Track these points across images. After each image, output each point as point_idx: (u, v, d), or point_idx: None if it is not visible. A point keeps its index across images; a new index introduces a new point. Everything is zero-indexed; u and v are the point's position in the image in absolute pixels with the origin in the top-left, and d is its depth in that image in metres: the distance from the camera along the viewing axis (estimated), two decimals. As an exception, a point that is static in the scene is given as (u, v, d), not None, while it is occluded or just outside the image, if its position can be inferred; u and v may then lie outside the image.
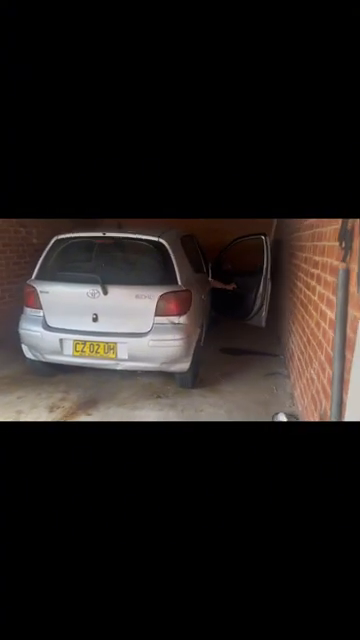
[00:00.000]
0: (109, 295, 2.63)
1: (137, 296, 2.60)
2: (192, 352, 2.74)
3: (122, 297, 2.63)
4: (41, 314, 2.80)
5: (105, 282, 2.63)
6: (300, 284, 2.78)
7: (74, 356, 2.72)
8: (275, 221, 5.11)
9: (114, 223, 2.96)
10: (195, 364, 2.92)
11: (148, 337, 2.59)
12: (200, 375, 3.25)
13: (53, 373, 3.16)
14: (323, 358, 1.82)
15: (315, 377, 2.05)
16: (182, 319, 2.65)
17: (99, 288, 2.60)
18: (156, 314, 2.60)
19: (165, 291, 2.60)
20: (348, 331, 1.38)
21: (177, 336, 2.61)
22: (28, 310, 2.86)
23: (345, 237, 1.44)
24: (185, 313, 2.66)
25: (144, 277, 2.69)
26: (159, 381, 3.12)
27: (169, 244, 2.72)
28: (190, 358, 2.73)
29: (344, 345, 1.40)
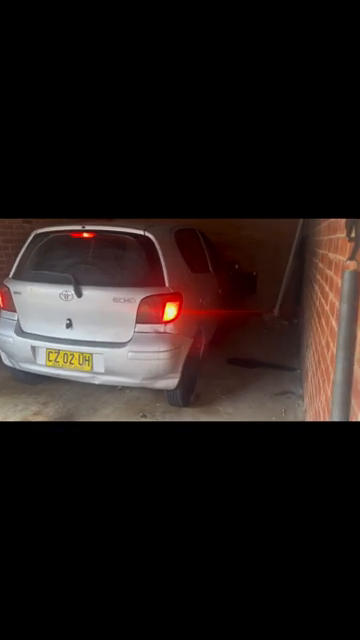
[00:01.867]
0: (84, 298, 2.26)
1: (115, 299, 2.21)
2: (181, 367, 2.31)
3: (98, 300, 2.25)
4: (15, 318, 2.50)
5: (79, 283, 2.26)
6: (317, 288, 2.26)
7: (47, 366, 2.39)
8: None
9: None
10: (187, 380, 2.49)
11: (127, 348, 2.20)
12: (198, 390, 2.82)
13: (36, 381, 2.86)
14: (330, 392, 1.34)
15: (321, 412, 1.55)
16: (169, 327, 2.22)
17: (72, 289, 2.24)
18: (137, 321, 2.19)
19: (148, 294, 2.19)
20: (356, 367, 0.90)
21: (162, 347, 2.20)
22: (3, 313, 2.57)
23: (356, 224, 0.96)
24: (173, 321, 2.24)
25: (124, 277, 2.29)
26: (148, 396, 2.72)
27: (157, 239, 2.31)
28: (178, 374, 2.31)
29: (349, 389, 0.92)
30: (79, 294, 2.24)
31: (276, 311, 4.72)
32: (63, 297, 2.27)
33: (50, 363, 2.38)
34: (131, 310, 2.18)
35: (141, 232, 2.31)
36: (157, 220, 3.01)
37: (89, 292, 2.25)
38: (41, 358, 2.40)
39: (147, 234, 2.30)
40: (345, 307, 0.91)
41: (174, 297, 2.24)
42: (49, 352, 2.37)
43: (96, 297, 2.25)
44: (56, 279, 2.32)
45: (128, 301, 2.19)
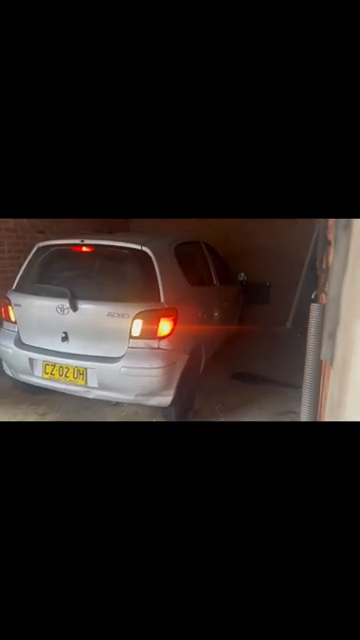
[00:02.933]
0: (79, 312, 2.26)
1: (109, 314, 2.19)
2: (175, 384, 2.26)
3: (93, 315, 2.25)
4: (16, 329, 2.53)
5: (76, 296, 2.27)
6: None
7: (44, 378, 2.41)
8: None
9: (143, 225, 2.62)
10: (184, 397, 2.43)
11: (120, 363, 2.17)
12: (197, 405, 2.75)
13: (37, 391, 2.88)
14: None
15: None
16: (163, 343, 2.18)
17: (68, 303, 2.25)
18: (131, 336, 2.17)
19: (142, 309, 2.16)
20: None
21: (155, 364, 2.15)
22: (5, 324, 2.62)
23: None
24: (167, 336, 2.19)
25: (119, 292, 2.27)
26: (146, 411, 2.68)
27: (155, 254, 2.28)
28: (172, 391, 2.25)
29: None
30: (74, 308, 2.25)
31: (289, 323, 4.56)
32: (59, 310, 2.28)
33: (47, 376, 2.39)
34: (125, 325, 2.16)
35: (138, 247, 2.29)
36: (162, 231, 3.02)
37: (85, 306, 2.25)
38: (38, 370, 2.42)
39: (144, 249, 2.28)
40: (312, 339, 0.84)
41: (169, 312, 2.20)
42: (46, 364, 2.38)
43: (91, 311, 2.25)
44: (54, 292, 2.34)
45: (122, 316, 2.17)
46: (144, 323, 2.15)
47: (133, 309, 2.16)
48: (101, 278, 2.36)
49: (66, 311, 2.27)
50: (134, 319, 2.14)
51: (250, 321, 4.55)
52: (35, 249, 2.63)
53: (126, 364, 2.16)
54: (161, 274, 2.26)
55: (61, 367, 2.33)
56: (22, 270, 2.64)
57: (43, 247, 2.59)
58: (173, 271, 2.40)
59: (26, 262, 2.64)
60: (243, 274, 4.01)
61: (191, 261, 2.82)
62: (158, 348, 2.18)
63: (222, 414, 2.68)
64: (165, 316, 2.18)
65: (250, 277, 4.20)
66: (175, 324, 2.22)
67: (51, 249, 2.56)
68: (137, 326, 2.15)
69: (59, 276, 2.43)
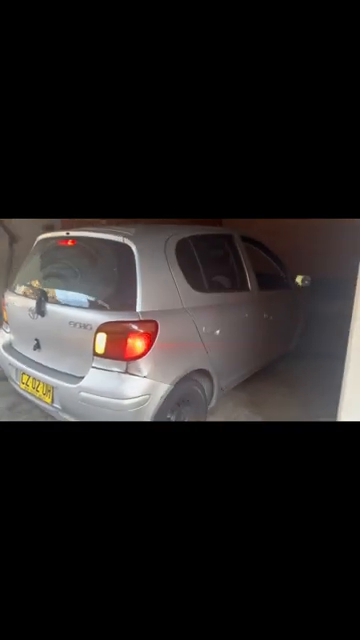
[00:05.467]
0: (47, 317, 1.89)
1: (71, 323, 1.76)
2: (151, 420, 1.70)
3: (58, 322, 1.85)
4: (9, 330, 2.33)
5: (46, 299, 1.91)
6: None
7: (21, 388, 2.13)
8: None
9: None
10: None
11: (79, 385, 1.73)
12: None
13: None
14: None
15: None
16: (134, 366, 1.65)
17: (35, 306, 1.90)
18: (95, 353, 1.70)
19: (107, 320, 1.67)
20: None
21: (119, 393, 1.64)
22: (4, 324, 2.44)
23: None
24: (140, 357, 1.65)
25: (87, 295, 1.82)
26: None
27: (139, 249, 1.75)
28: (143, 430, 1.70)
29: None
30: (41, 312, 1.89)
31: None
32: (31, 314, 1.96)
33: (23, 385, 2.10)
34: (88, 338, 1.70)
35: (120, 239, 1.80)
36: (187, 222, 2.44)
37: (52, 311, 1.88)
38: (17, 378, 2.15)
39: (127, 242, 1.78)
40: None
41: (143, 326, 1.65)
42: (22, 374, 2.09)
43: (56, 318, 1.86)
44: (31, 292, 2.03)
45: (84, 327, 1.71)
46: (109, 338, 1.65)
47: (97, 319, 1.68)
48: (75, 278, 1.95)
49: (36, 315, 1.93)
50: (97, 332, 1.67)
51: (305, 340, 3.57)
52: (36, 242, 2.38)
53: (86, 388, 1.70)
54: (143, 275, 1.72)
55: (33, 379, 2.01)
56: (23, 265, 2.42)
57: (43, 240, 2.32)
58: (164, 272, 1.83)
59: (28, 257, 2.41)
60: (305, 277, 3.11)
61: (208, 259, 2.19)
62: (126, 372, 1.66)
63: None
64: (136, 331, 1.64)
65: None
66: (151, 342, 1.66)
67: (47, 243, 2.27)
68: (101, 341, 1.66)
69: (42, 273, 2.12)
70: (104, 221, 2.84)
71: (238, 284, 2.45)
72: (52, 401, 1.89)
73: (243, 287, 2.47)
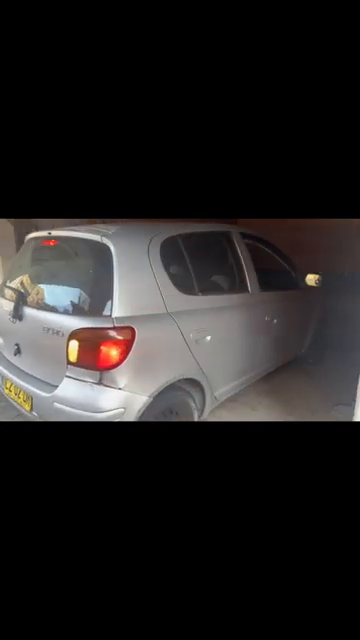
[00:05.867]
0: (24, 321, 1.80)
1: (45, 329, 1.66)
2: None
3: (33, 327, 1.75)
4: (0, 333, 2.27)
5: (24, 301, 1.82)
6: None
7: (5, 393, 2.06)
8: None
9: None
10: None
11: (53, 395, 1.62)
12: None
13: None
14: None
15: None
16: (108, 377, 1.52)
17: (12, 309, 1.81)
18: (68, 362, 1.59)
19: (80, 326, 1.55)
20: None
21: (92, 406, 1.52)
22: None
23: None
24: (114, 367, 1.52)
25: (61, 299, 1.70)
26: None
27: (118, 249, 1.62)
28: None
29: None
30: (19, 316, 1.80)
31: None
32: (10, 317, 1.88)
33: (6, 391, 2.03)
34: (61, 345, 1.59)
35: (98, 238, 1.67)
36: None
37: (29, 314, 1.78)
38: (2, 383, 2.09)
39: (105, 241, 1.65)
40: None
41: (118, 333, 1.52)
42: (5, 379, 2.02)
43: (32, 322, 1.76)
44: (13, 295, 1.94)
45: (57, 333, 1.60)
46: (81, 346, 1.53)
47: (69, 325, 1.57)
48: (53, 280, 1.84)
49: (15, 319, 1.84)
50: (69, 339, 1.55)
51: (320, 343, 3.33)
52: (26, 240, 2.29)
53: (59, 398, 1.60)
54: (121, 277, 1.58)
55: (15, 386, 1.93)
56: (13, 264, 2.35)
57: (30, 239, 2.23)
58: (145, 274, 1.68)
59: (17, 255, 2.33)
60: (317, 276, 2.86)
61: (200, 259, 2.02)
62: (100, 383, 1.53)
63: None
64: (110, 338, 1.51)
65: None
66: (126, 350, 1.53)
67: (34, 242, 2.18)
68: (73, 349, 1.55)
69: (27, 275, 2.03)
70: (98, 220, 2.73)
71: (236, 285, 2.27)
72: (31, 409, 1.80)
73: (241, 288, 2.28)
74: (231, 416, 2.45)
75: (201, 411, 2.03)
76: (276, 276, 2.75)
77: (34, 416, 1.80)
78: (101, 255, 1.64)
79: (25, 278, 1.95)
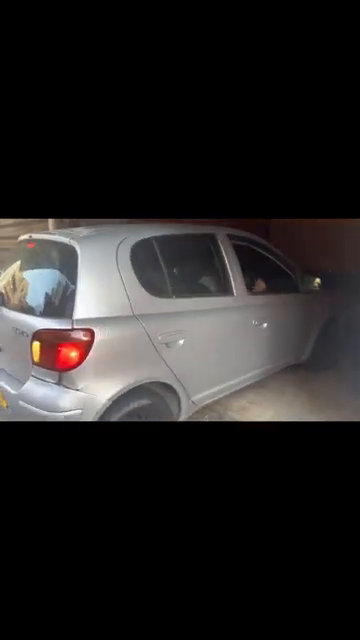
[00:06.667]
0: (2, 322, 1.87)
1: (14, 329, 1.71)
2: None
3: (7, 328, 1.81)
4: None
5: (3, 302, 1.89)
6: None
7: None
8: None
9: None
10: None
11: (19, 393, 1.67)
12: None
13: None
14: None
15: None
16: (67, 378, 1.54)
17: None
18: (33, 361, 1.63)
19: (41, 327, 1.58)
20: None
21: (50, 406, 1.54)
22: None
23: None
24: (73, 368, 1.54)
25: (31, 301, 1.75)
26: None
27: (85, 251, 1.64)
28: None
29: None
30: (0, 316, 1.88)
31: None
32: (-7, 318, 1.96)
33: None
34: (27, 346, 1.63)
35: (66, 240, 1.70)
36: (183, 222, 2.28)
37: (4, 314, 1.85)
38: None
39: (72, 243, 1.67)
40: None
41: (77, 334, 1.53)
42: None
43: (7, 322, 1.82)
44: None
45: (22, 334, 1.65)
46: (41, 347, 1.56)
47: (32, 326, 1.61)
48: (28, 282, 1.90)
49: (-4, 319, 1.92)
50: (32, 340, 1.59)
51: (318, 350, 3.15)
52: (17, 243, 2.39)
53: (23, 396, 1.64)
54: (84, 279, 1.60)
55: (-4, 383, 2.01)
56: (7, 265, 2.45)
57: (20, 241, 2.32)
58: (112, 276, 1.68)
59: (9, 258, 2.43)
60: (315, 279, 2.73)
61: (178, 262, 2.00)
62: (59, 384, 1.56)
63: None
64: (67, 340, 1.53)
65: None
66: (85, 352, 1.54)
67: (23, 244, 2.26)
68: (36, 349, 1.58)
69: (13, 276, 2.11)
70: (67, 221, 2.77)
71: (219, 288, 2.22)
72: (7, 406, 1.87)
73: (225, 291, 2.22)
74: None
75: (178, 415, 2.00)
76: (270, 279, 2.66)
77: (7, 413, 1.86)
78: (68, 257, 1.67)
79: (9, 280, 2.03)
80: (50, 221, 3.02)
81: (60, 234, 1.80)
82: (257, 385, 2.67)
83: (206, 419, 2.43)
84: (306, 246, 5.22)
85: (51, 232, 1.91)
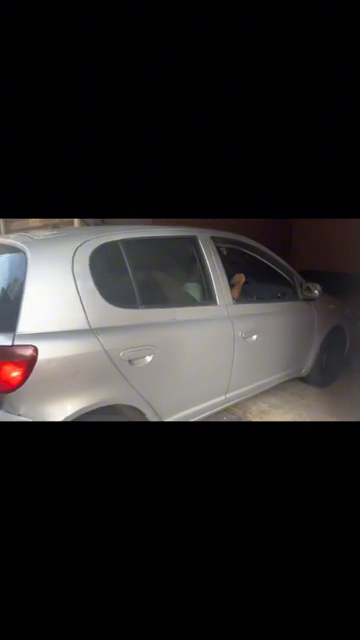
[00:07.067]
0: None
1: None
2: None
3: None
4: None
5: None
6: None
7: None
8: None
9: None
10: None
11: None
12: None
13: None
14: None
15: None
16: (6, 402, 1.35)
17: None
18: (-23, 381, 1.45)
19: (-19, 343, 1.40)
20: None
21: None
22: None
23: None
24: (12, 390, 1.34)
25: None
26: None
27: (35, 257, 1.46)
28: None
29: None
30: None
31: None
32: None
33: None
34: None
35: (17, 245, 1.52)
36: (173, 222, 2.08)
37: None
38: None
39: (22, 248, 1.49)
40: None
41: (16, 352, 1.34)
42: None
43: None
44: None
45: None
46: (-20, 365, 1.38)
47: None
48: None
49: None
50: (-26, 357, 1.41)
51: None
52: None
53: (-35, 419, 1.47)
54: (32, 289, 1.41)
55: None
56: None
57: None
58: (65, 284, 1.49)
59: None
60: (313, 286, 2.46)
61: (150, 268, 1.78)
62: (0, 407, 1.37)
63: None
64: (6, 357, 1.33)
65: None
66: (27, 372, 1.34)
67: None
68: (-23, 368, 1.41)
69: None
70: (38, 221, 2.60)
71: (199, 296, 1.98)
72: None
73: (207, 300, 1.99)
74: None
75: None
76: (264, 285, 2.41)
77: None
78: (18, 263, 1.49)
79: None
80: (76, 221, 2.87)
81: (16, 237, 1.62)
82: (278, 389, 2.70)
83: (224, 420, 2.38)
84: (329, 245, 4.98)
85: (6, 235, 1.74)
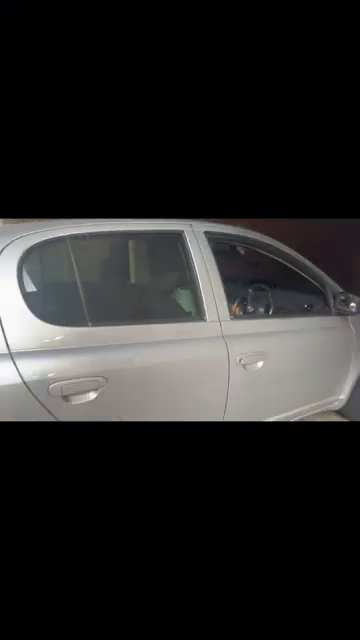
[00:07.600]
0: None
1: None
2: None
3: None
4: None
5: None
6: None
7: None
8: None
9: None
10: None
11: None
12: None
13: None
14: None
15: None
16: None
17: None
18: None
19: None
20: None
21: None
22: None
23: None
24: None
25: None
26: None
27: None
28: None
29: None
30: None
31: None
32: None
33: None
34: None
35: None
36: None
37: None
38: None
39: None
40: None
41: None
42: None
43: None
44: None
45: None
46: None
47: None
48: None
49: None
50: None
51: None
52: None
53: None
54: None
55: None
56: None
57: None
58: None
59: None
60: (349, 297, 1.84)
61: (109, 272, 1.36)
62: None
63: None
64: None
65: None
66: None
67: None
68: None
69: None
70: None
71: (181, 310, 1.52)
72: None
73: (193, 315, 1.52)
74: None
75: None
76: (288, 295, 1.87)
77: None
78: None
79: None
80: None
81: None
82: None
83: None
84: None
85: None
